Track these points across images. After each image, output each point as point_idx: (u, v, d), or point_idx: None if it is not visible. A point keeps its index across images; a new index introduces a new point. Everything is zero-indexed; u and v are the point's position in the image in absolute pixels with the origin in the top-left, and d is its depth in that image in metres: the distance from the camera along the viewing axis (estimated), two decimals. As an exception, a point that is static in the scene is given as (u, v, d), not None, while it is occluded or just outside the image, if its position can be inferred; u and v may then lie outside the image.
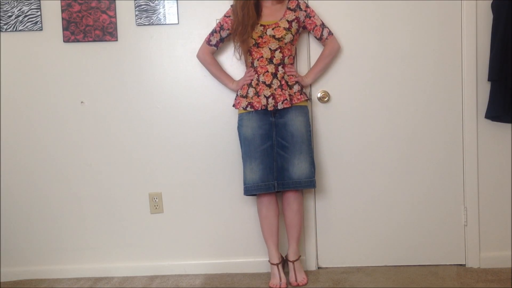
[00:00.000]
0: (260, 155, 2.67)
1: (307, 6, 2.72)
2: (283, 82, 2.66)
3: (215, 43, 2.77)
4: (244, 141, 2.72)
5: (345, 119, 2.90)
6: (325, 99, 2.87)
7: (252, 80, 2.68)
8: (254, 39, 2.65)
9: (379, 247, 2.96)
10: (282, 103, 2.64)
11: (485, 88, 2.82)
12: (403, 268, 2.91)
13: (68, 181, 2.97)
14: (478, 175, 2.86)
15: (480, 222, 2.88)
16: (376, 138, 2.90)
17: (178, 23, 2.88)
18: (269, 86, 2.65)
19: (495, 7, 2.74)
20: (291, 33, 2.66)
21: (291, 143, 2.65)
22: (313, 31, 2.74)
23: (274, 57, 2.66)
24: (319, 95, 2.87)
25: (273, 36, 2.64)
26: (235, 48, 2.78)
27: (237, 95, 2.75)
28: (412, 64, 2.86)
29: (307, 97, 2.76)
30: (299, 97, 2.68)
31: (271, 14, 2.69)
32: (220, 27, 2.74)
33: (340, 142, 2.91)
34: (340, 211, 2.95)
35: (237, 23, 2.65)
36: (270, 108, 2.64)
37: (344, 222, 2.95)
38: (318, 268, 2.97)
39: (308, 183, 2.67)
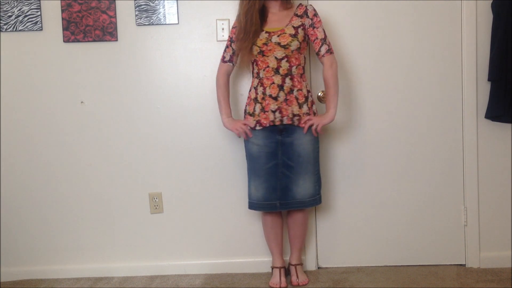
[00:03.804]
0: (264, 174, 2.61)
1: (314, 15, 2.59)
2: (288, 97, 2.54)
3: (229, 58, 2.66)
4: (249, 157, 2.67)
5: (345, 119, 2.90)
6: (325, 99, 2.87)
7: (248, 122, 2.60)
8: (259, 47, 2.54)
9: (379, 247, 2.96)
10: (287, 118, 2.55)
11: (485, 88, 2.83)
12: (403, 268, 2.91)
13: (68, 181, 2.96)
14: (478, 175, 2.86)
15: (480, 222, 2.89)
16: (375, 138, 2.91)
17: (178, 23, 2.87)
18: (275, 99, 2.55)
19: (495, 7, 2.75)
20: (297, 40, 2.54)
21: (297, 163, 2.57)
22: (313, 43, 2.59)
23: (281, 67, 2.54)
24: (319, 95, 2.87)
25: (279, 44, 2.52)
26: (239, 57, 2.68)
27: (244, 111, 2.68)
28: (412, 64, 2.86)
29: (315, 113, 2.63)
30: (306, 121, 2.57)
31: (278, 20, 2.59)
32: (230, 40, 2.65)
33: (339, 142, 2.91)
34: (340, 211, 2.95)
35: (239, 29, 2.57)
36: (277, 122, 2.56)
37: (344, 222, 2.95)
38: (318, 268, 2.97)
39: (312, 202, 2.63)
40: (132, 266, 2.99)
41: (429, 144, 2.89)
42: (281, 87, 2.55)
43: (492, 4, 2.77)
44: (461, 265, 2.93)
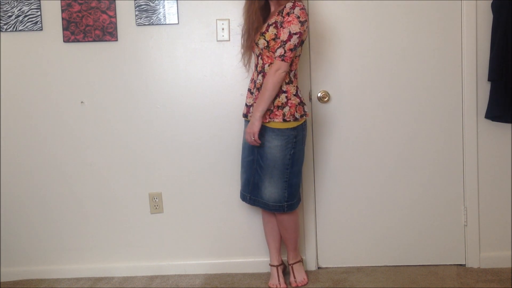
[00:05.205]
0: (245, 165, 2.66)
1: (287, 13, 2.40)
2: (257, 94, 2.53)
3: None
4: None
5: (345, 119, 2.90)
6: (325, 99, 2.87)
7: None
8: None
9: (379, 247, 2.96)
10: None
11: (485, 88, 2.83)
12: (403, 268, 2.91)
13: (68, 181, 2.96)
14: (478, 175, 2.86)
15: (480, 222, 2.89)
16: (376, 138, 2.91)
17: (178, 23, 2.87)
18: (252, 94, 2.59)
19: (495, 7, 2.75)
20: (264, 39, 2.47)
21: (265, 164, 2.54)
22: (275, 41, 2.46)
23: (258, 63, 2.57)
24: (319, 95, 2.87)
25: (253, 41, 2.55)
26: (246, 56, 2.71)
27: None
28: (412, 64, 2.86)
29: (294, 117, 2.49)
30: (266, 117, 2.48)
31: (271, 17, 2.55)
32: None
33: (339, 142, 2.91)
34: (340, 211, 2.95)
35: (244, 30, 2.61)
36: (249, 117, 2.57)
37: (344, 222, 2.95)
38: (318, 268, 2.97)
39: (277, 208, 2.57)
40: (132, 266, 2.99)
41: (429, 144, 2.89)
42: (255, 83, 2.59)
43: (492, 4, 2.77)
44: (461, 265, 2.93)
